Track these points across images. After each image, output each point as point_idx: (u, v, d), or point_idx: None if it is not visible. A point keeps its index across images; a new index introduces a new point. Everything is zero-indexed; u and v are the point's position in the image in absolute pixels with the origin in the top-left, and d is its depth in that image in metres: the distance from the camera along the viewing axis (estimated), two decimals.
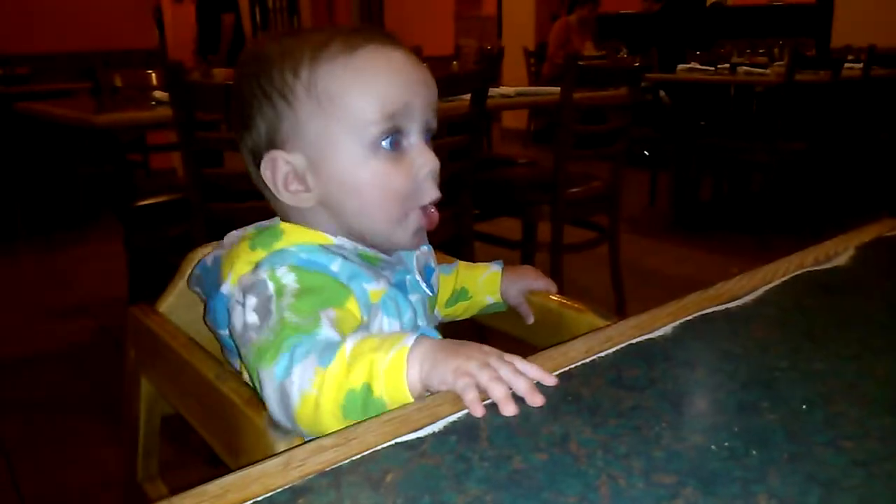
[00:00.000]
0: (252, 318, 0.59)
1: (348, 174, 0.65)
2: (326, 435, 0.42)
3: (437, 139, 0.72)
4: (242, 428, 0.57)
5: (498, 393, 0.46)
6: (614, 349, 0.53)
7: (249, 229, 0.72)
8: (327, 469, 0.39)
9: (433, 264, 0.78)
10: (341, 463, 0.39)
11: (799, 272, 0.67)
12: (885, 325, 0.57)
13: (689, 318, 0.58)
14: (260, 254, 0.65)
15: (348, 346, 0.54)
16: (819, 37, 5.10)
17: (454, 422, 0.44)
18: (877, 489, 0.36)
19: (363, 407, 0.51)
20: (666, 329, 0.56)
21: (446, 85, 1.89)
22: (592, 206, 2.51)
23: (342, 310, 0.60)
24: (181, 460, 1.13)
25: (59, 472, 1.73)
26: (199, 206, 1.79)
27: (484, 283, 0.86)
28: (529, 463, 0.39)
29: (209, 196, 1.80)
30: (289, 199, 0.67)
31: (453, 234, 2.09)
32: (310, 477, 0.38)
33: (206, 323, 0.72)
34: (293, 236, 0.66)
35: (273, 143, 0.67)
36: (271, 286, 0.60)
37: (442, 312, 0.86)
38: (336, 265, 0.64)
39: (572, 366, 0.50)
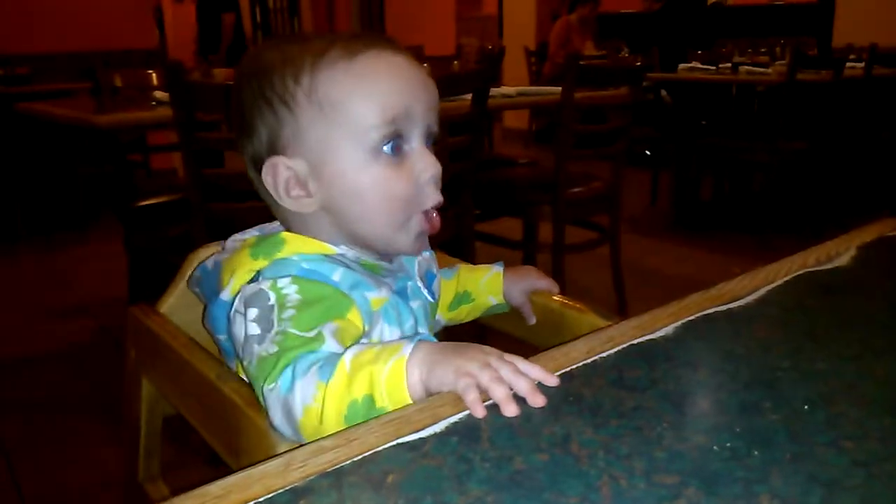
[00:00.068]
0: (253, 329, 0.59)
1: (350, 179, 0.65)
2: (327, 436, 0.42)
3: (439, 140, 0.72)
4: (243, 428, 0.57)
5: (499, 393, 0.46)
6: (616, 349, 0.53)
7: (251, 234, 0.71)
8: (329, 470, 0.39)
9: (435, 270, 0.78)
10: (343, 464, 0.39)
11: (800, 272, 0.67)
12: (886, 326, 0.57)
13: (691, 318, 0.58)
14: (261, 263, 0.65)
15: (347, 358, 0.53)
16: (821, 36, 5.09)
17: (455, 422, 0.44)
18: (878, 489, 0.36)
19: (366, 417, 0.51)
20: (667, 329, 0.56)
21: (447, 85, 1.90)
22: (593, 206, 2.51)
23: (344, 321, 0.60)
24: (182, 461, 1.13)
25: (60, 472, 1.73)
26: (199, 207, 1.79)
27: (486, 285, 0.86)
28: (531, 463, 0.39)
29: (209, 196, 1.80)
30: (290, 204, 0.67)
31: (454, 235, 2.09)
32: (311, 478, 0.38)
33: (204, 326, 0.72)
34: (295, 246, 0.66)
35: (274, 149, 0.67)
36: (273, 297, 0.60)
37: (445, 317, 0.86)
38: (338, 275, 0.64)
39: (574, 366, 0.50)
